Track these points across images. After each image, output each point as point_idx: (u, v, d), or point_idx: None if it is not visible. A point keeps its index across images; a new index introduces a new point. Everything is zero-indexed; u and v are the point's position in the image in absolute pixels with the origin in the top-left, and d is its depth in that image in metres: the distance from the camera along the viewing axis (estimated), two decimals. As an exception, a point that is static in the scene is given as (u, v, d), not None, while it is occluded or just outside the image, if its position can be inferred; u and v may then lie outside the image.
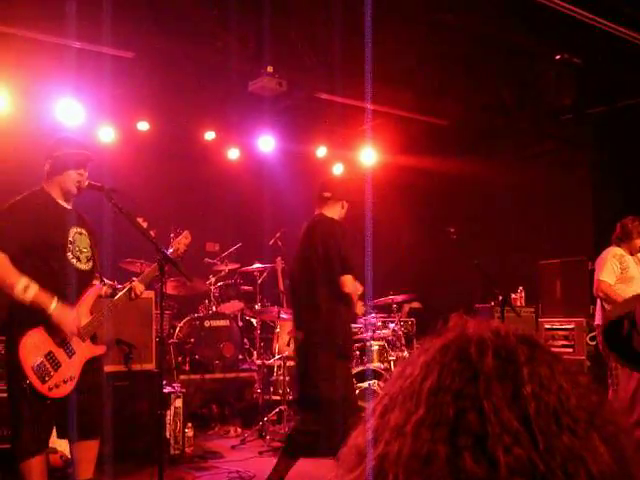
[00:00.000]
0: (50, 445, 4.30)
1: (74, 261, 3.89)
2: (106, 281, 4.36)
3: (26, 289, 3.59)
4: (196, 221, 8.39)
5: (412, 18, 6.89)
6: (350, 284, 4.62)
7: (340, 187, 5.09)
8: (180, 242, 4.36)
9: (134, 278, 4.25)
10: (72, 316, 3.73)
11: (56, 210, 3.90)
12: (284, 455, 4.70)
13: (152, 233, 4.10)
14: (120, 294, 4.13)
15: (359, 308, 5.05)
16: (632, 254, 6.36)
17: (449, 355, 0.69)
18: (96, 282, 4.14)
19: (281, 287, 8.16)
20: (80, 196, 4.02)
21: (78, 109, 7.59)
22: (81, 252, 3.95)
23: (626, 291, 6.02)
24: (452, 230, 5.98)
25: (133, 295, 4.13)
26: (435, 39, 7.19)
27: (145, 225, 4.11)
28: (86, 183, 3.92)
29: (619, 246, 6.38)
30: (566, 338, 7.79)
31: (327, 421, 4.55)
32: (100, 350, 4.02)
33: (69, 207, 4.00)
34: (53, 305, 3.63)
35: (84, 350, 3.87)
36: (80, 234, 3.98)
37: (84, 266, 3.96)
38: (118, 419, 5.57)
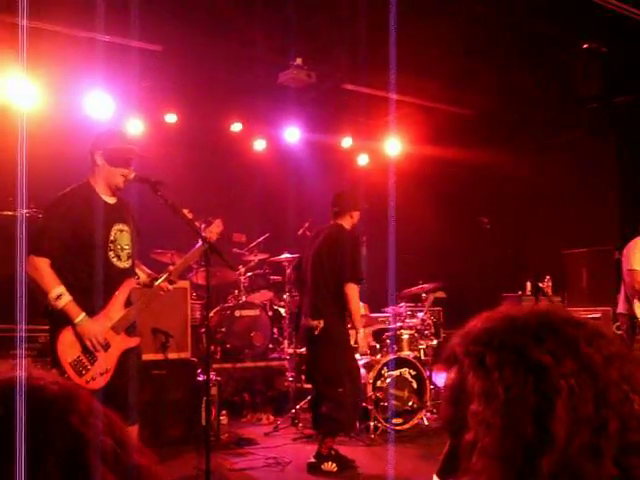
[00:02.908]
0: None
1: (114, 260, 3.93)
2: (139, 274, 4.35)
3: (58, 297, 3.70)
4: (223, 212, 8.41)
5: (437, 8, 6.90)
6: (352, 292, 5.39)
7: (345, 200, 5.82)
8: (212, 231, 4.27)
9: (170, 267, 4.23)
10: (96, 329, 3.78)
11: (98, 208, 3.91)
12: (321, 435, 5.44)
13: (197, 224, 4.15)
14: (152, 287, 4.15)
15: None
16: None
17: None
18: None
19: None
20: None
21: (107, 102, 7.67)
22: (122, 249, 3.97)
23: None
24: (486, 220, 6.01)
25: (161, 292, 4.15)
26: (460, 29, 7.19)
27: (190, 217, 4.15)
28: (132, 175, 3.97)
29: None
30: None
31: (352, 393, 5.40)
32: (134, 342, 4.05)
33: (112, 202, 4.02)
34: (79, 319, 3.73)
35: (119, 343, 3.92)
36: (121, 231, 3.99)
37: (124, 264, 3.99)
38: (155, 406, 5.69)
